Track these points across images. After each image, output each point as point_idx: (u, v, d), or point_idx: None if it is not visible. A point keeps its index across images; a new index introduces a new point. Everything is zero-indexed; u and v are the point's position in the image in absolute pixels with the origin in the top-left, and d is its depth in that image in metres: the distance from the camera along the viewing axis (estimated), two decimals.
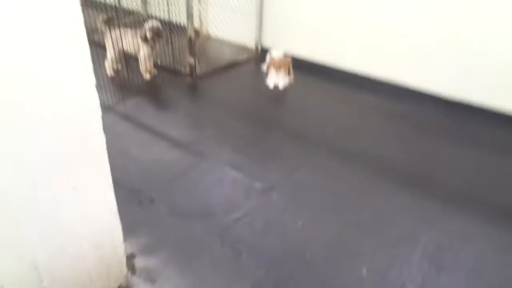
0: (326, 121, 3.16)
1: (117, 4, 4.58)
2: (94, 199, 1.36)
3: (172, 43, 3.79)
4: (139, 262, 1.85)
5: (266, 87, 3.65)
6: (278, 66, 3.56)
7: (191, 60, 3.62)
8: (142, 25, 3.53)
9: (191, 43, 3.54)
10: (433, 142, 2.91)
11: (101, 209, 1.41)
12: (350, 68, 3.80)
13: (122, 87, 3.54)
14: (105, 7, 4.21)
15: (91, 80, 1.20)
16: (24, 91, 1.05)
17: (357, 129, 3.06)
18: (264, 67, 3.85)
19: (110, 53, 3.58)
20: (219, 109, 3.28)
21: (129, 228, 2.00)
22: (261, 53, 4.27)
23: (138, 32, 3.51)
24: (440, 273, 1.83)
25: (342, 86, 3.76)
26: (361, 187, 2.41)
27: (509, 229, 2.12)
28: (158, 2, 4.22)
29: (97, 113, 1.25)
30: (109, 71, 3.66)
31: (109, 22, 3.47)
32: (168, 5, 4.07)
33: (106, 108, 3.12)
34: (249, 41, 4.38)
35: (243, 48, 4.40)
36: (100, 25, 3.48)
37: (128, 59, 3.74)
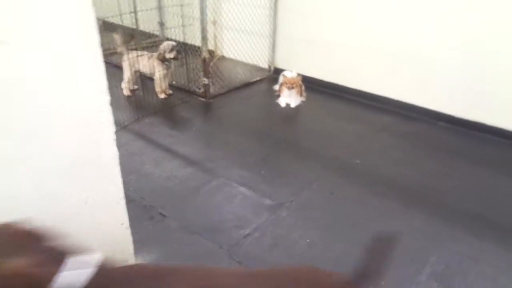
0: (336, 140, 3.19)
1: (134, 27, 4.77)
2: (106, 212, 1.42)
3: (187, 64, 3.91)
4: None
5: (278, 106, 3.72)
6: (291, 85, 3.63)
7: (205, 80, 3.72)
8: (157, 46, 3.68)
9: (205, 64, 3.65)
10: (443, 163, 2.90)
11: (113, 221, 1.47)
12: (361, 88, 3.85)
13: (138, 107, 3.66)
14: (123, 30, 4.39)
15: (106, 97, 1.28)
16: (43, 106, 1.13)
17: (367, 148, 3.07)
18: (277, 87, 3.93)
19: (126, 74, 3.71)
20: (231, 128, 3.35)
21: (141, 243, 2.05)
22: (274, 73, 4.36)
23: (154, 53, 3.65)
24: None
25: (354, 105, 3.80)
26: (369, 206, 2.41)
27: None
28: (174, 25, 4.39)
29: (111, 128, 1.32)
30: (125, 91, 3.79)
31: (127, 42, 3.62)
32: (183, 28, 4.23)
33: (122, 127, 3.23)
34: (262, 62, 4.49)
35: (256, 69, 4.50)
36: (118, 44, 3.63)
37: (144, 80, 3.88)
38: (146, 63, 3.67)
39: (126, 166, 2.75)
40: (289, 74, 3.83)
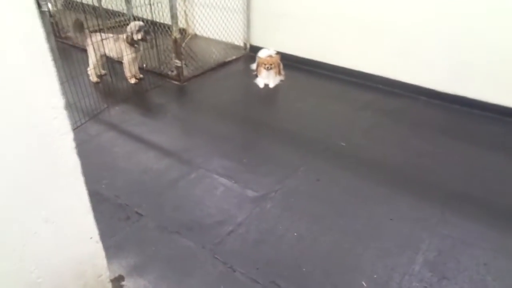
0: (319, 121, 3.07)
1: (96, 5, 4.45)
2: (71, 228, 1.26)
3: (157, 45, 3.67)
4: (127, 284, 1.75)
5: (257, 87, 3.55)
6: (269, 65, 3.46)
7: (177, 62, 3.50)
8: (125, 27, 3.41)
9: (176, 45, 3.42)
10: (429, 140, 2.83)
11: (81, 237, 1.31)
12: (341, 64, 3.71)
13: (107, 94, 3.43)
14: (85, 9, 4.08)
15: (59, 101, 1.09)
16: None
17: (351, 129, 2.97)
18: (254, 66, 3.75)
19: (91, 59, 3.45)
20: (208, 113, 3.18)
21: (117, 247, 1.91)
22: (251, 51, 4.17)
23: (121, 35, 3.39)
24: (442, 282, 1.76)
25: (334, 82, 3.67)
26: (356, 191, 2.32)
27: (511, 232, 2.05)
28: (141, 3, 4.09)
29: (69, 135, 1.14)
30: (92, 77, 3.54)
31: (78, 27, 3.34)
32: (151, 5, 3.94)
33: (90, 117, 3.01)
34: (238, 39, 4.27)
35: (232, 47, 4.29)
36: (71, 30, 3.35)
37: (113, 64, 3.62)
38: (113, 46, 3.41)
39: (97, 161, 2.60)
40: (267, 52, 3.65)
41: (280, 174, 2.44)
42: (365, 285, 1.74)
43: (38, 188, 1.12)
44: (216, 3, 4.09)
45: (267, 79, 3.52)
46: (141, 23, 3.32)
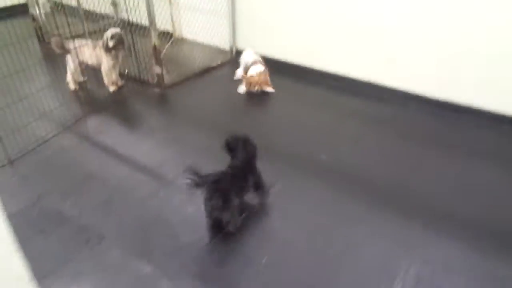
0: (302, 131, 2.93)
1: (86, 8, 4.33)
2: None
3: (135, 51, 3.54)
4: None
5: (240, 94, 3.42)
6: (256, 84, 3.32)
7: (157, 69, 3.37)
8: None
9: (156, 51, 3.30)
10: (416, 151, 2.68)
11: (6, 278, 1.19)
12: (329, 70, 3.57)
13: (85, 102, 3.32)
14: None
15: None
16: None
17: (335, 140, 2.82)
18: (239, 71, 3.61)
19: (70, 66, 3.34)
20: (187, 123, 3.05)
21: (72, 277, 1.79)
22: (237, 56, 4.02)
23: (99, 42, 3.27)
24: None
25: (320, 88, 3.53)
26: (333, 210, 2.18)
27: (497, 257, 1.90)
28: (128, 6, 3.95)
29: None
30: (71, 84, 3.42)
31: (58, 46, 3.23)
32: (127, 9, 3.80)
33: (64, 128, 2.90)
34: (224, 44, 4.14)
35: (217, 51, 4.15)
36: (54, 46, 3.24)
37: (94, 71, 3.50)
38: (91, 53, 3.29)
39: (65, 177, 2.47)
40: (250, 54, 3.53)
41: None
42: None
43: None
44: (203, 7, 3.96)
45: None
46: (116, 30, 3.20)
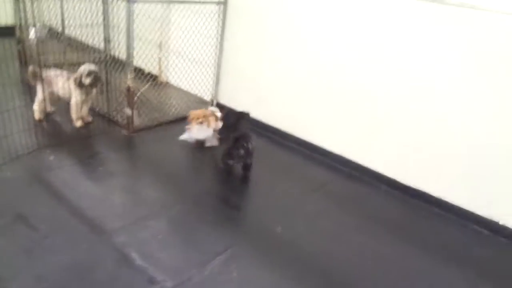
0: (263, 198, 2.77)
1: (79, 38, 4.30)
2: None
3: (107, 91, 3.46)
4: None
5: (211, 149, 3.29)
6: (202, 119, 3.23)
7: (128, 111, 3.27)
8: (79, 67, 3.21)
9: (129, 92, 3.20)
10: (377, 237, 2.51)
11: None
12: (304, 137, 3.48)
13: (46, 134, 3.17)
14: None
15: None
16: None
17: (295, 213, 2.66)
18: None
19: (39, 95, 3.22)
20: (145, 173, 2.89)
21: None
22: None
23: (73, 75, 3.19)
24: None
25: (294, 155, 3.42)
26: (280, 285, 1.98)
27: None
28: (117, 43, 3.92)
29: None
30: (36, 114, 3.29)
31: (33, 76, 3.16)
32: (118, 46, 3.77)
33: (12, 158, 2.72)
34: (206, 94, 4.09)
35: (198, 101, 4.09)
36: (29, 75, 3.16)
37: (65, 103, 3.37)
38: (63, 85, 3.19)
39: None
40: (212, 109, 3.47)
41: (196, 259, 2.11)
42: None
43: None
44: (191, 54, 3.94)
45: (197, 133, 3.28)
46: (92, 67, 3.13)
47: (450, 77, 2.64)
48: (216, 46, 3.81)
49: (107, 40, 4.81)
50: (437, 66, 2.67)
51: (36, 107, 3.27)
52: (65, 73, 3.26)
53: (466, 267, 2.36)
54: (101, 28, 3.85)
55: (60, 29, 4.46)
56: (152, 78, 4.24)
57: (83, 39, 4.39)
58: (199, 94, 4.13)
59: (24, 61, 4.27)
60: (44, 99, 3.24)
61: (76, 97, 3.17)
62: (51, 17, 4.44)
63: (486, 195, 2.68)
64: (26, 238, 2.08)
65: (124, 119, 3.34)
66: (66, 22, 4.09)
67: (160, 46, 4.35)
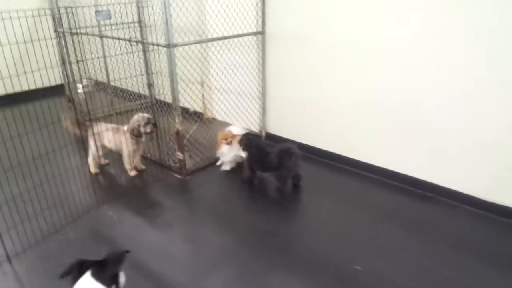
0: (332, 232, 2.56)
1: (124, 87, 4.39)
2: None
3: (158, 137, 3.44)
4: None
5: (270, 184, 3.15)
6: (230, 139, 3.25)
7: (179, 155, 3.21)
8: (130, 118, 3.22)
9: (178, 136, 3.15)
10: (470, 268, 2.22)
11: None
12: (364, 160, 3.25)
13: (103, 188, 3.18)
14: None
15: None
16: None
17: (369, 246, 2.42)
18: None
19: (92, 149, 3.25)
20: (204, 218, 2.76)
21: None
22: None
23: (121, 127, 3.20)
24: None
25: (355, 180, 3.19)
26: None
27: None
28: (162, 88, 3.95)
29: None
30: (92, 168, 3.33)
31: (77, 125, 3.21)
32: (161, 90, 3.79)
33: (75, 218, 2.71)
34: (254, 126, 3.98)
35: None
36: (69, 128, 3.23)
37: (118, 154, 3.38)
38: (112, 138, 3.20)
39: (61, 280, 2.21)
40: (236, 130, 3.34)
41: None
42: None
43: None
44: (235, 88, 3.88)
45: (229, 155, 3.29)
46: (147, 115, 3.14)
47: None
48: (259, 77, 3.72)
49: (149, 84, 4.92)
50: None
51: (90, 161, 3.30)
52: (113, 125, 3.28)
53: None
54: (145, 75, 3.92)
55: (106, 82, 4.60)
56: (197, 116, 4.23)
57: (128, 87, 4.48)
58: (246, 127, 4.03)
59: (77, 118, 4.40)
60: (97, 153, 3.26)
61: (128, 147, 3.17)
62: (96, 72, 4.60)
63: None
64: None
65: (177, 163, 3.29)
66: (111, 75, 4.17)
67: (202, 83, 4.33)
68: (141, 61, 4.10)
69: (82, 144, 3.35)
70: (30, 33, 2.83)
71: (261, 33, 3.55)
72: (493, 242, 2.44)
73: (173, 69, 2.93)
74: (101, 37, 3.83)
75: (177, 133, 3.14)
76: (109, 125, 3.25)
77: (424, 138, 2.86)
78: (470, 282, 2.11)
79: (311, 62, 3.33)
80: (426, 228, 2.59)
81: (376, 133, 3.11)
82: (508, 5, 2.28)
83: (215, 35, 3.58)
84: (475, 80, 2.51)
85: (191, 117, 4.20)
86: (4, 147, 2.49)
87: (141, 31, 4.16)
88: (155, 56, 3.99)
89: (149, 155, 3.54)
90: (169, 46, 2.85)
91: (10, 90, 4.90)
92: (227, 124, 4.21)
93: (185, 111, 3.62)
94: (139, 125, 3.11)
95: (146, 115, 3.18)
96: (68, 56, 4.28)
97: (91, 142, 3.23)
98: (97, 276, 1.60)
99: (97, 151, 3.25)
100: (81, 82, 4.91)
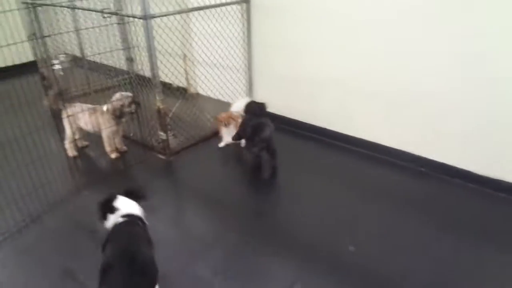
0: (325, 213, 2.47)
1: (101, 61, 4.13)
2: None
3: (141, 115, 3.24)
4: None
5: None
6: (225, 122, 3.13)
7: (162, 135, 3.04)
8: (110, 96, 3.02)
9: (160, 115, 2.97)
10: (462, 247, 2.15)
11: None
12: (357, 135, 3.13)
13: (82, 172, 3.00)
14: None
15: None
16: None
17: (362, 225, 2.34)
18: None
19: (68, 132, 3.06)
20: (189, 201, 2.64)
21: None
22: None
23: (98, 107, 3.00)
24: None
25: (347, 157, 3.08)
26: None
27: None
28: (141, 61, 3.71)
29: None
30: (70, 151, 3.14)
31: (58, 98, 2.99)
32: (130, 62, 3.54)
33: (54, 206, 2.55)
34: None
35: None
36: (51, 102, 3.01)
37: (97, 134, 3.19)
38: (88, 119, 3.00)
39: (38, 275, 2.07)
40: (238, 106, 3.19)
41: None
42: None
43: None
44: (219, 62, 3.67)
45: (228, 138, 3.18)
46: (129, 94, 2.94)
47: None
48: (244, 49, 3.51)
49: (130, 59, 4.64)
50: None
51: (67, 144, 3.11)
52: (89, 106, 3.06)
53: None
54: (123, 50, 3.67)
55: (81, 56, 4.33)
56: (180, 92, 4.03)
57: (106, 62, 4.23)
58: (232, 101, 3.85)
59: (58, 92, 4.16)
60: (73, 135, 3.07)
61: (107, 129, 2.98)
62: (73, 48, 4.32)
63: None
64: None
65: (160, 143, 3.12)
66: (88, 50, 3.92)
67: (184, 57, 4.11)
68: (118, 34, 3.84)
69: (59, 125, 3.16)
70: None
71: (246, 1, 3.32)
72: (489, 218, 2.37)
73: (151, 43, 2.72)
74: (72, 8, 3.54)
75: (159, 111, 2.95)
76: (85, 106, 3.03)
77: (415, 112, 2.74)
78: (466, 258, 2.05)
79: (299, 32, 3.14)
80: (417, 205, 2.51)
81: (367, 107, 2.98)
82: None
83: (196, 5, 3.34)
84: (463, 54, 2.37)
85: (174, 93, 3.99)
86: None
87: (116, 1, 3.88)
88: (134, 28, 3.73)
89: (130, 135, 3.36)
90: (146, 17, 2.63)
91: None
92: (212, 100, 4.04)
93: (167, 86, 3.42)
94: (122, 105, 2.91)
95: (129, 94, 2.99)
96: (40, 29, 3.98)
97: (66, 125, 3.03)
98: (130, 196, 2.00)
99: (73, 134, 3.05)
100: (58, 58, 4.63)
